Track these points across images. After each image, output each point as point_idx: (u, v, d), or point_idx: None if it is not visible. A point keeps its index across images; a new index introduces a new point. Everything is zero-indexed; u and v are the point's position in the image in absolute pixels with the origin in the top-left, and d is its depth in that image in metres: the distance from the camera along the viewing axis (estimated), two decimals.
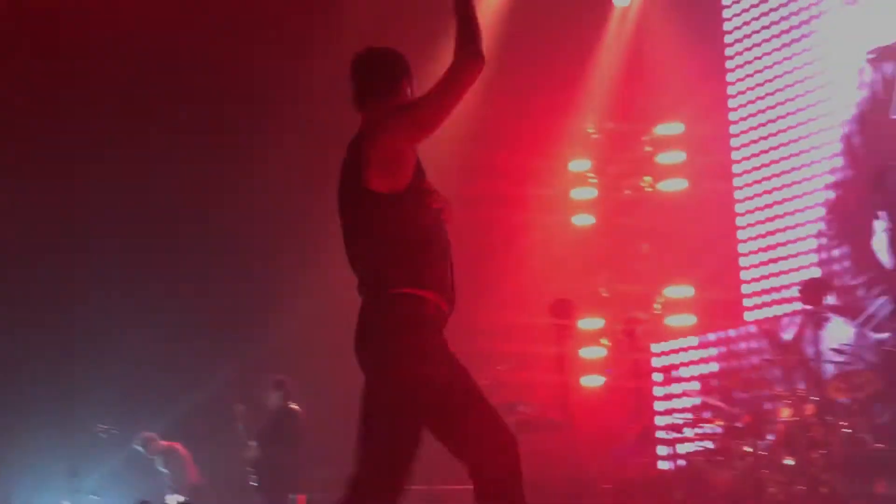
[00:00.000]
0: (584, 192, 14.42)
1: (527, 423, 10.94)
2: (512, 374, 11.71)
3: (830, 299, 10.23)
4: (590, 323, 13.77)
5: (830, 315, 10.06)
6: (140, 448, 12.99)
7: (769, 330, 11.39)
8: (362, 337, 4.36)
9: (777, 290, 13.03)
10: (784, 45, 13.30)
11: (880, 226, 11.66)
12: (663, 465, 12.11)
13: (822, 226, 12.46)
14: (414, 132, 4.40)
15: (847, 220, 12.12)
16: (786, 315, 12.45)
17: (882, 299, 11.37)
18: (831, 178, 12.43)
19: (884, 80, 12.06)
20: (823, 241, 12.45)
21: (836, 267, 12.12)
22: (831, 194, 12.47)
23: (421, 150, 4.73)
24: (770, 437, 10.37)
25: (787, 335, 11.34)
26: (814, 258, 12.47)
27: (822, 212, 12.49)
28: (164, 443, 13.04)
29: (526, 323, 12.50)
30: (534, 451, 11.27)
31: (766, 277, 13.25)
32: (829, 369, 10.18)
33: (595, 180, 14.29)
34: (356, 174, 4.35)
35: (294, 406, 11.74)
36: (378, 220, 4.33)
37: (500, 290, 13.90)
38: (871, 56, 12.10)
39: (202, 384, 13.53)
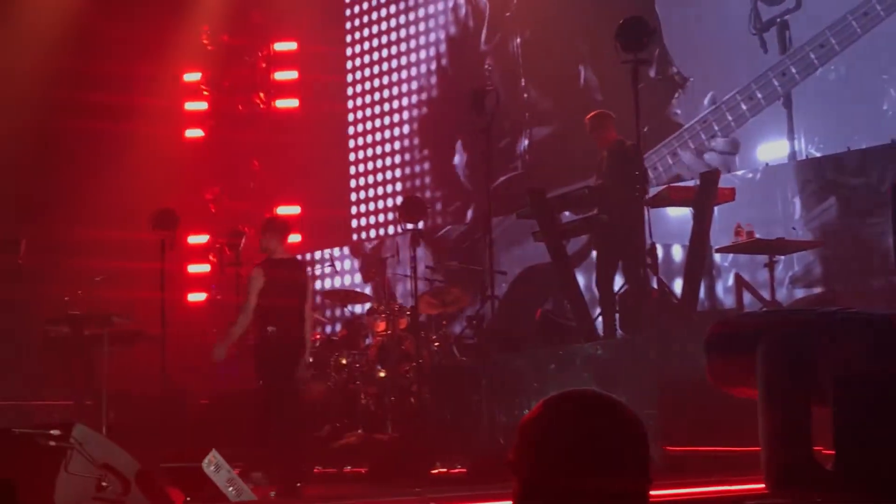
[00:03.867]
0: (197, 105, 14.05)
1: (122, 336, 10.64)
2: (110, 287, 11.30)
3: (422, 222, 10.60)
4: (196, 239, 13.53)
5: (424, 235, 10.42)
6: None
7: (369, 247, 11.67)
8: None
9: (382, 211, 13.43)
10: None
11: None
12: None
13: (413, 141, 13.20)
14: None
15: (435, 137, 12.87)
16: (387, 235, 12.86)
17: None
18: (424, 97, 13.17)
19: (475, 11, 12.71)
20: (413, 154, 13.17)
21: (418, 182, 12.83)
22: (424, 110, 13.17)
23: None
24: (365, 350, 10.67)
25: (386, 253, 11.65)
26: (406, 174, 13.15)
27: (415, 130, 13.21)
28: None
29: (130, 238, 12.05)
30: (130, 364, 11.08)
31: (373, 199, 13.60)
32: (422, 286, 10.56)
33: (207, 93, 13.96)
34: None
35: None
36: None
37: (105, 204, 13.30)
38: None
39: None
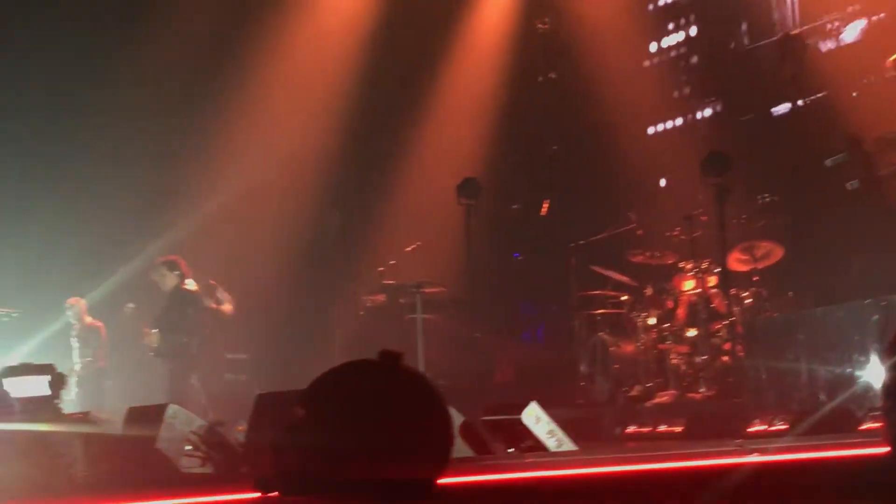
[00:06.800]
0: None
1: (433, 303, 11.04)
2: (420, 256, 11.76)
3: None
4: None
5: (730, 188, 9.98)
6: (68, 312, 12.55)
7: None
8: None
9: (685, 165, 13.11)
10: None
11: None
12: None
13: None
14: None
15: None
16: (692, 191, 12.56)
17: None
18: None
19: None
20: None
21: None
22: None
23: None
24: (672, 310, 10.46)
25: (692, 210, 11.31)
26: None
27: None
28: (89, 318, 12.65)
29: (437, 207, 12.37)
30: (442, 329, 11.44)
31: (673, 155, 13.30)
32: (732, 241, 10.19)
33: None
34: None
35: (190, 287, 10.88)
36: None
37: (412, 176, 13.78)
38: None
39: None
